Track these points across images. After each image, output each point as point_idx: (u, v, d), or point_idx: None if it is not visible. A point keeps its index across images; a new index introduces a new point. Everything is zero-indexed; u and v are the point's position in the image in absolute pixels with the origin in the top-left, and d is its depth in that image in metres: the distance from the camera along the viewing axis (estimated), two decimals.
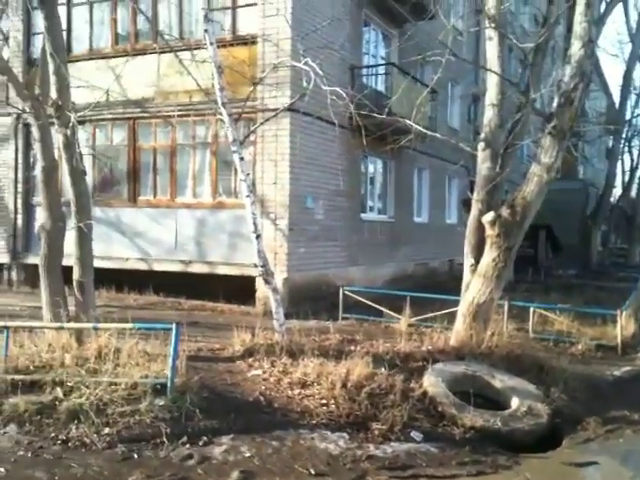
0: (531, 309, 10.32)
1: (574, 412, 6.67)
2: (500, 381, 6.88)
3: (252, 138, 11.55)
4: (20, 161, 14.49)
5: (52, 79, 7.69)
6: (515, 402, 6.49)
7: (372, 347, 7.78)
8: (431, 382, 6.52)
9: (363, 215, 15.05)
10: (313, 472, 4.86)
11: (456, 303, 8.99)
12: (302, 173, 12.13)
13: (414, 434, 5.69)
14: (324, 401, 6.09)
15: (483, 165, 8.97)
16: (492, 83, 8.76)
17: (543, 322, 10.60)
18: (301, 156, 12.04)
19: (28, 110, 8.12)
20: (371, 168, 15.87)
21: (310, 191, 12.44)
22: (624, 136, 28.99)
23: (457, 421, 5.97)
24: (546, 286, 16.08)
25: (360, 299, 11.08)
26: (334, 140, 12.14)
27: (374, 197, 16.15)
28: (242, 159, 8.35)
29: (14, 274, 14.48)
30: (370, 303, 10.92)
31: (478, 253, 8.57)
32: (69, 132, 7.59)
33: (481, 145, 8.97)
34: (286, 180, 11.80)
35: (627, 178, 32.25)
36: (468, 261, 8.77)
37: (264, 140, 11.86)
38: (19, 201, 14.53)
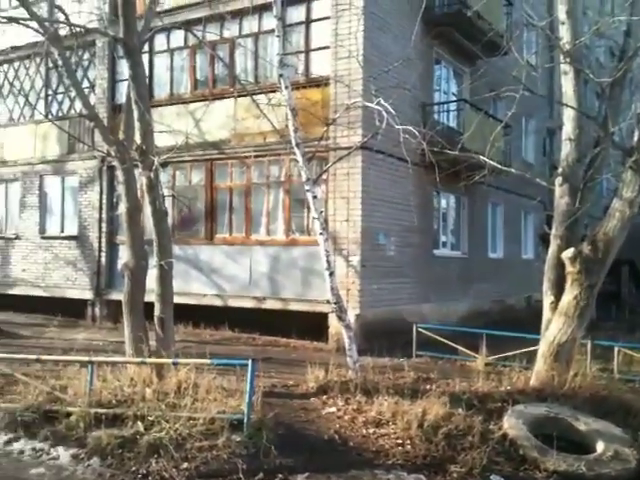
0: (615, 348, 9.86)
1: None
2: (584, 424, 6.58)
3: (325, 177, 11.77)
4: (104, 202, 15.27)
5: (136, 124, 8.13)
6: (600, 446, 6.18)
7: (448, 386, 7.63)
8: (511, 424, 6.31)
9: (436, 251, 14.92)
10: None
11: (535, 342, 8.73)
12: (374, 210, 12.21)
13: (494, 477, 5.50)
14: (400, 441, 6.00)
15: (561, 200, 8.75)
16: (569, 117, 8.60)
17: (629, 362, 10.09)
18: (373, 193, 12.13)
19: (113, 154, 8.58)
20: (444, 204, 15.76)
21: (382, 228, 12.48)
22: None
23: (539, 465, 5.74)
24: (630, 324, 15.34)
25: (434, 336, 10.92)
26: (406, 177, 12.16)
27: (447, 233, 16.00)
28: (315, 197, 8.51)
29: (97, 310, 15.13)
30: (445, 340, 10.74)
31: (558, 290, 8.32)
32: (152, 175, 7.96)
33: (559, 180, 8.77)
34: (358, 217, 11.90)
35: None
36: (548, 298, 8.51)
37: (336, 178, 12.05)
38: (103, 240, 15.26)
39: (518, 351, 9.62)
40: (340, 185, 12.05)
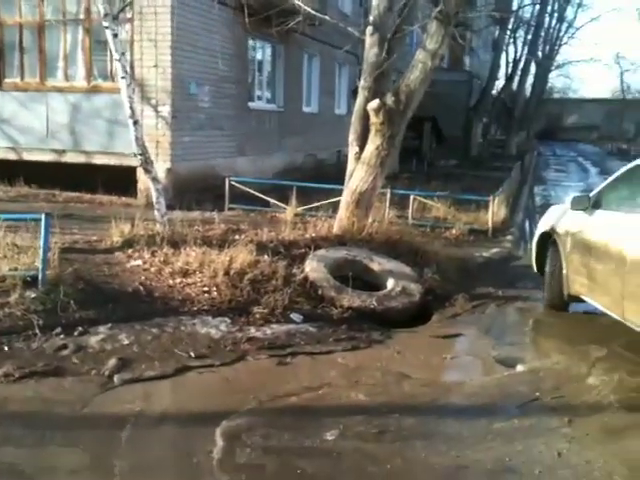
0: (411, 197, 10.69)
1: (444, 291, 7.12)
2: (378, 264, 7.16)
3: (129, 15, 10.71)
4: None
5: None
6: (391, 283, 6.80)
7: (256, 236, 7.79)
8: (312, 267, 6.68)
9: (251, 104, 14.62)
10: (193, 355, 4.92)
11: (342, 193, 9.11)
12: (185, 56, 11.46)
13: (294, 316, 5.86)
14: (206, 289, 6.09)
15: (371, 51, 8.82)
16: None
17: (422, 209, 11.06)
18: (184, 37, 11.32)
19: None
20: (260, 54, 15.28)
21: (194, 76, 11.84)
22: (510, 27, 29.55)
23: (336, 302, 6.20)
24: (428, 175, 16.66)
25: (247, 190, 10.98)
26: (220, 21, 11.48)
27: (263, 85, 15.67)
28: (115, 36, 7.73)
29: None
30: (257, 194, 10.86)
31: (363, 142, 8.59)
32: None
33: (369, 29, 8.76)
34: (167, 63, 11.12)
35: (510, 70, 33.26)
36: (353, 149, 8.79)
37: (143, 17, 10.99)
38: None
39: (325, 202, 10.04)
40: (147, 26, 11.03)
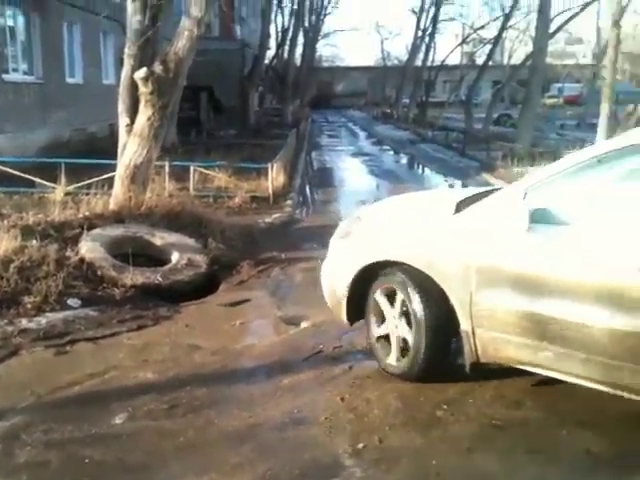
0: (191, 168, 10.55)
1: (230, 259, 7.18)
2: (160, 239, 6.98)
3: None
4: None
5: None
6: (175, 256, 6.68)
7: (21, 220, 7.10)
8: (88, 247, 6.29)
9: (5, 76, 13.23)
10: None
11: (116, 168, 8.67)
12: None
13: (71, 301, 5.50)
14: None
15: (134, 18, 8.44)
16: None
17: (204, 180, 10.99)
18: None
19: None
20: (10, 22, 13.80)
21: None
22: None
23: (117, 282, 5.94)
24: (207, 146, 16.52)
25: (8, 170, 9.94)
26: None
27: (17, 56, 14.21)
28: None
29: None
30: (21, 174, 9.89)
31: (133, 113, 8.22)
32: None
33: None
34: None
35: (280, 39, 34.08)
36: (123, 121, 8.38)
37: None
38: None
39: (99, 178, 9.48)
40: None
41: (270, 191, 10.70)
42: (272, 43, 35.27)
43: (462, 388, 3.97)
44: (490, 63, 28.71)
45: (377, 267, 4.16)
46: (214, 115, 24.06)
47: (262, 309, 5.99)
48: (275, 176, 11.14)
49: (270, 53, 34.02)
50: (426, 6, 35.99)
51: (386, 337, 4.21)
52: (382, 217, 4.57)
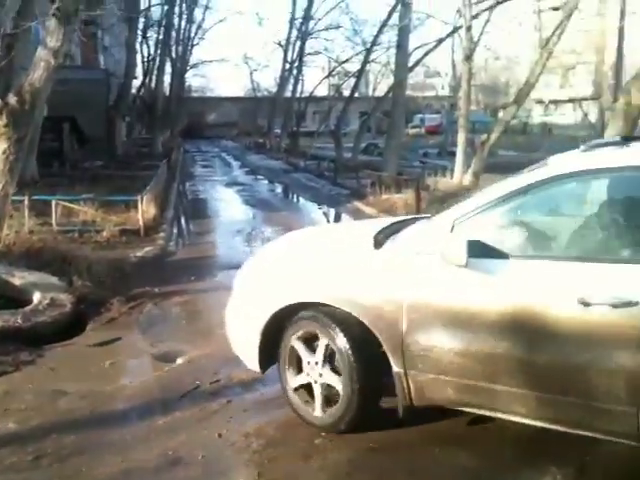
0: (53, 202, 10.03)
1: (99, 297, 6.84)
2: (20, 278, 6.55)
3: None
4: None
5: None
6: (37, 296, 6.28)
7: None
8: None
9: None
10: None
11: None
12: None
13: None
14: None
15: None
16: None
17: (68, 214, 10.47)
18: None
19: None
20: None
21: None
22: (140, 27, 29.68)
23: None
24: (72, 179, 15.81)
25: None
26: None
27: None
28: None
29: None
30: None
31: None
32: None
33: None
34: None
35: (146, 68, 33.50)
36: None
37: None
38: None
39: None
40: None
41: (141, 223, 10.38)
42: (139, 72, 34.62)
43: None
44: (356, 95, 29.79)
45: (292, 310, 3.78)
46: (78, 146, 23.07)
47: (134, 347, 5.75)
48: (146, 208, 10.84)
49: (137, 82, 33.33)
50: (292, 39, 36.84)
51: (306, 386, 3.84)
52: (293, 255, 4.19)
